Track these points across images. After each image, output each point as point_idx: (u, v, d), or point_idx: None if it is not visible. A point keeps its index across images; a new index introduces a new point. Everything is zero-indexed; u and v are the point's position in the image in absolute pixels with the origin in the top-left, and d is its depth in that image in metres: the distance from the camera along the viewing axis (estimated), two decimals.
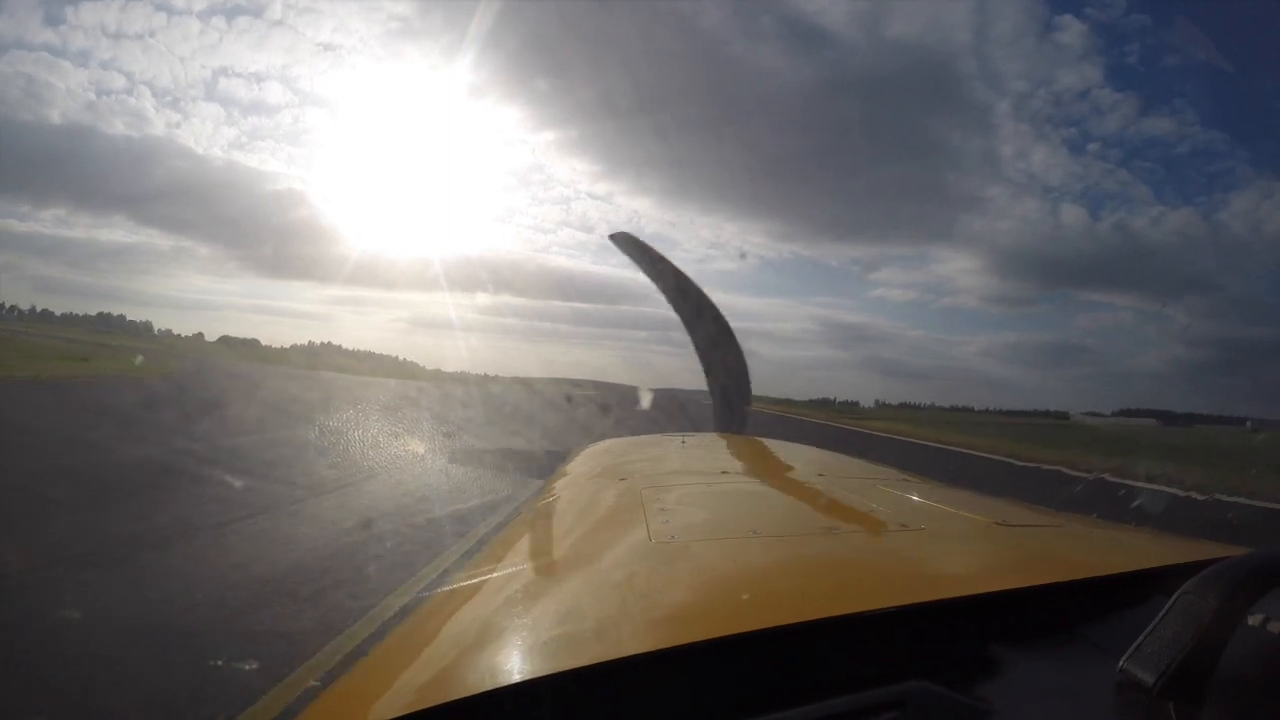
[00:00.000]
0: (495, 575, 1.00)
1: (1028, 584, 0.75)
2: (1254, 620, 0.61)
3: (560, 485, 1.69)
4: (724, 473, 1.68)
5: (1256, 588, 0.58)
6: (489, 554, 1.11)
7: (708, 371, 2.99)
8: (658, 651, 0.59)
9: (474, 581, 0.99)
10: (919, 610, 0.67)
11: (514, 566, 1.03)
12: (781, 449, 2.36)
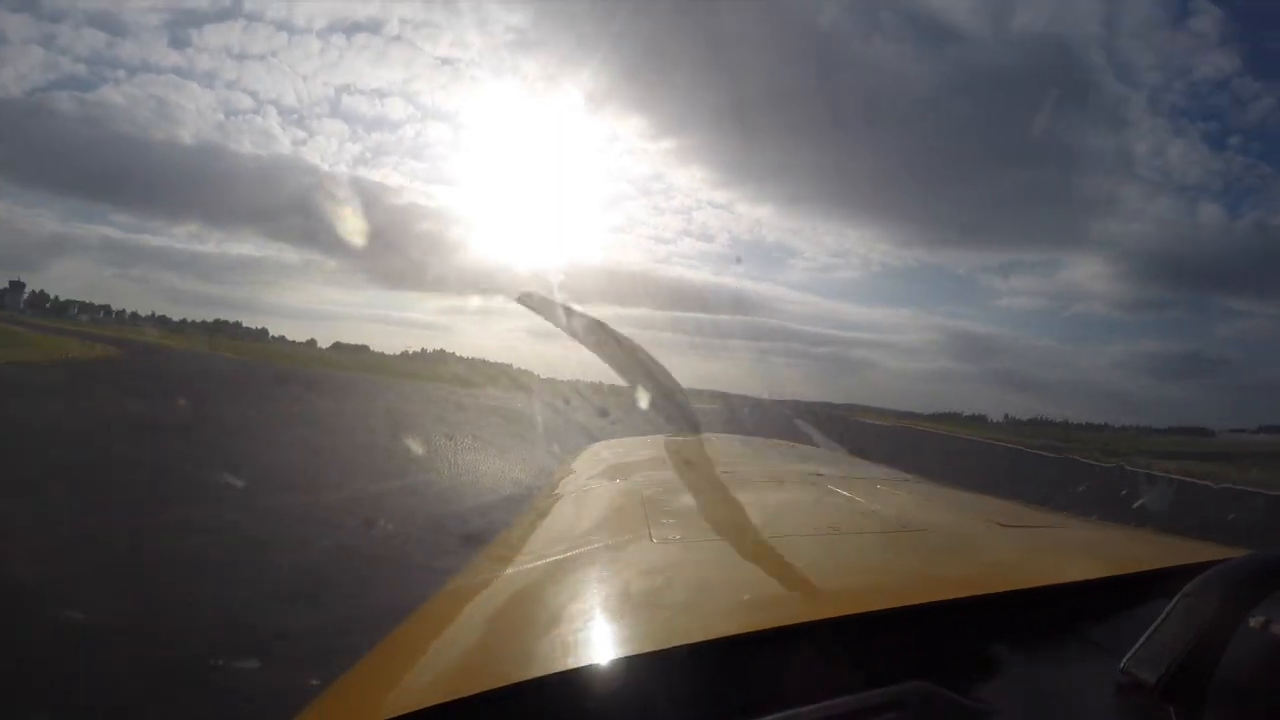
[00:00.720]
0: (496, 576, 1.00)
1: (1028, 584, 0.75)
2: (1255, 622, 0.60)
3: (562, 486, 1.69)
4: (723, 473, 1.68)
5: (1258, 589, 0.57)
6: (491, 554, 1.11)
7: (648, 389, 3.07)
8: (658, 652, 0.59)
9: (475, 582, 0.99)
10: (919, 611, 0.67)
11: (515, 567, 1.03)
12: (782, 450, 2.36)
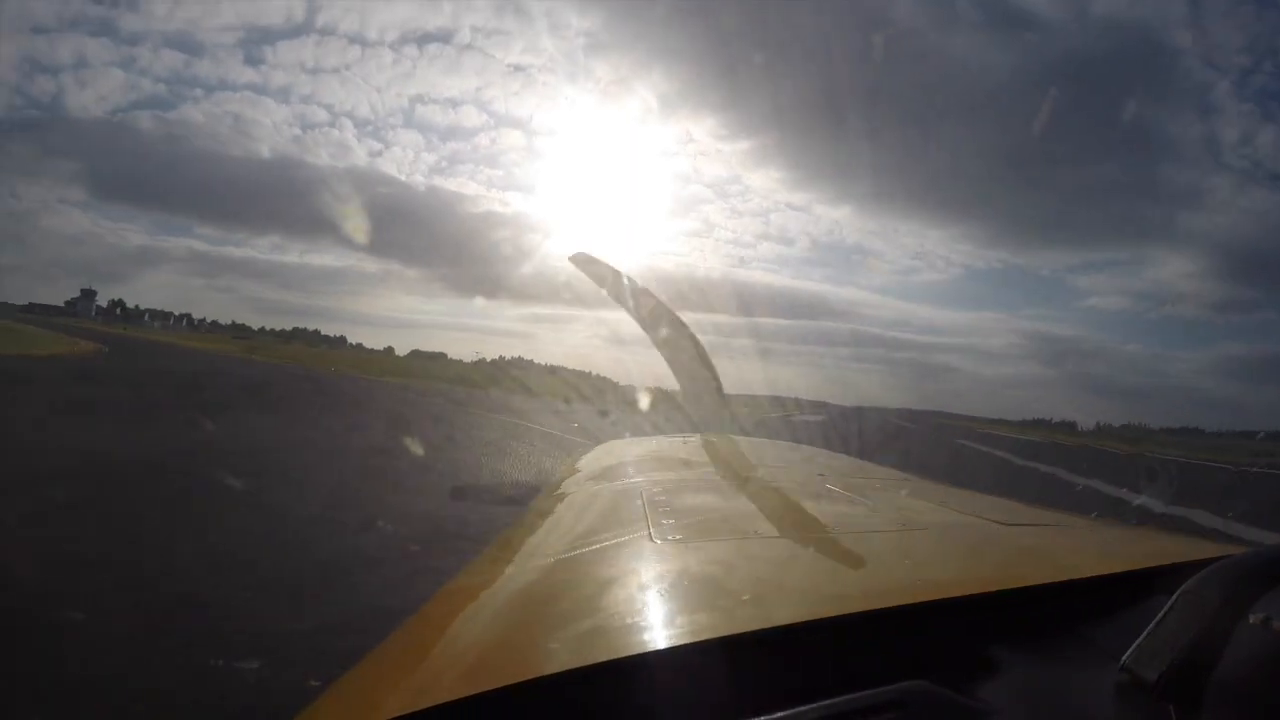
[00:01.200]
0: (497, 576, 1.00)
1: (1028, 584, 0.75)
2: (1255, 619, 0.61)
3: (563, 486, 1.69)
4: (724, 473, 1.68)
5: (1257, 587, 0.58)
6: (492, 554, 1.11)
7: (679, 376, 3.00)
8: (659, 651, 0.59)
9: (476, 582, 0.99)
10: (919, 610, 0.67)
11: (516, 567, 1.03)
12: (782, 449, 2.36)
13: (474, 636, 0.76)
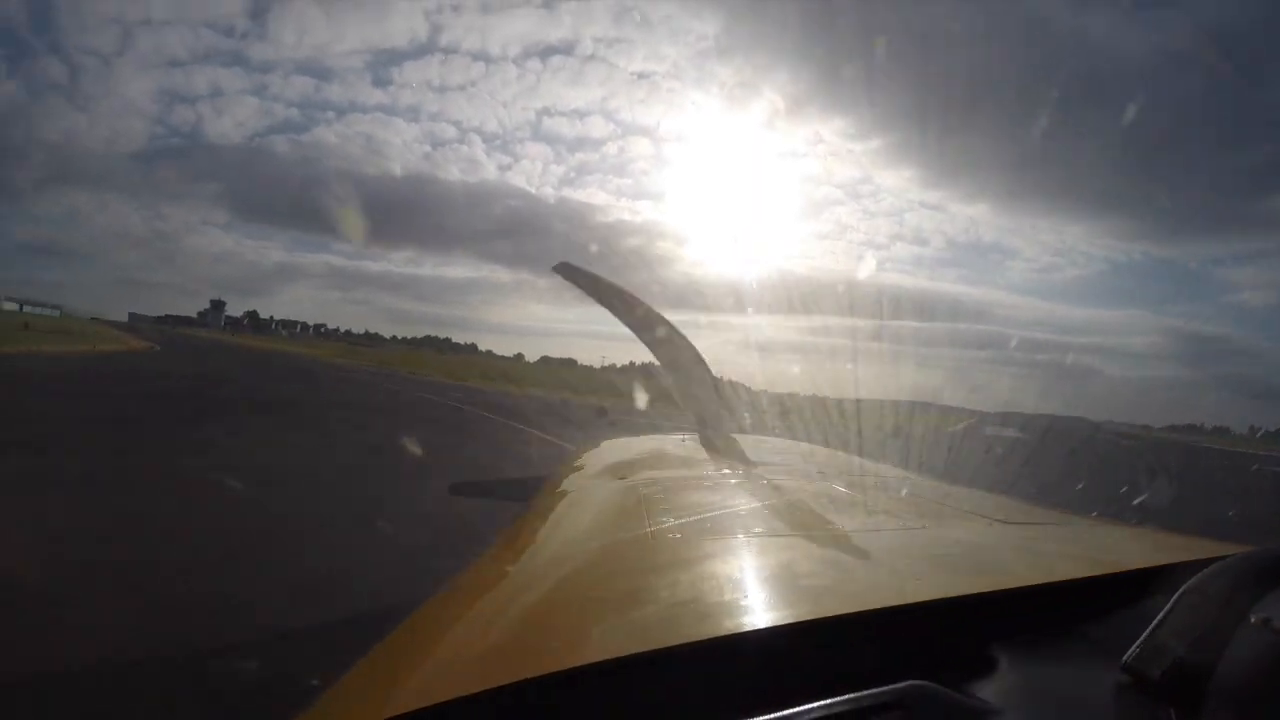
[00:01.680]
0: (497, 575, 1.00)
1: (1029, 583, 0.75)
2: (1256, 619, 0.61)
3: (563, 486, 1.69)
4: (723, 472, 1.68)
5: (1259, 586, 0.57)
6: (492, 554, 1.11)
7: (676, 377, 3.01)
8: (659, 650, 0.59)
9: (477, 581, 0.99)
10: (920, 609, 0.67)
11: (516, 566, 1.03)
12: (782, 448, 2.36)
13: (475, 635, 0.76)
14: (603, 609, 0.75)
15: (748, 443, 2.52)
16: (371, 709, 0.62)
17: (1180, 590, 0.58)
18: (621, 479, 1.54)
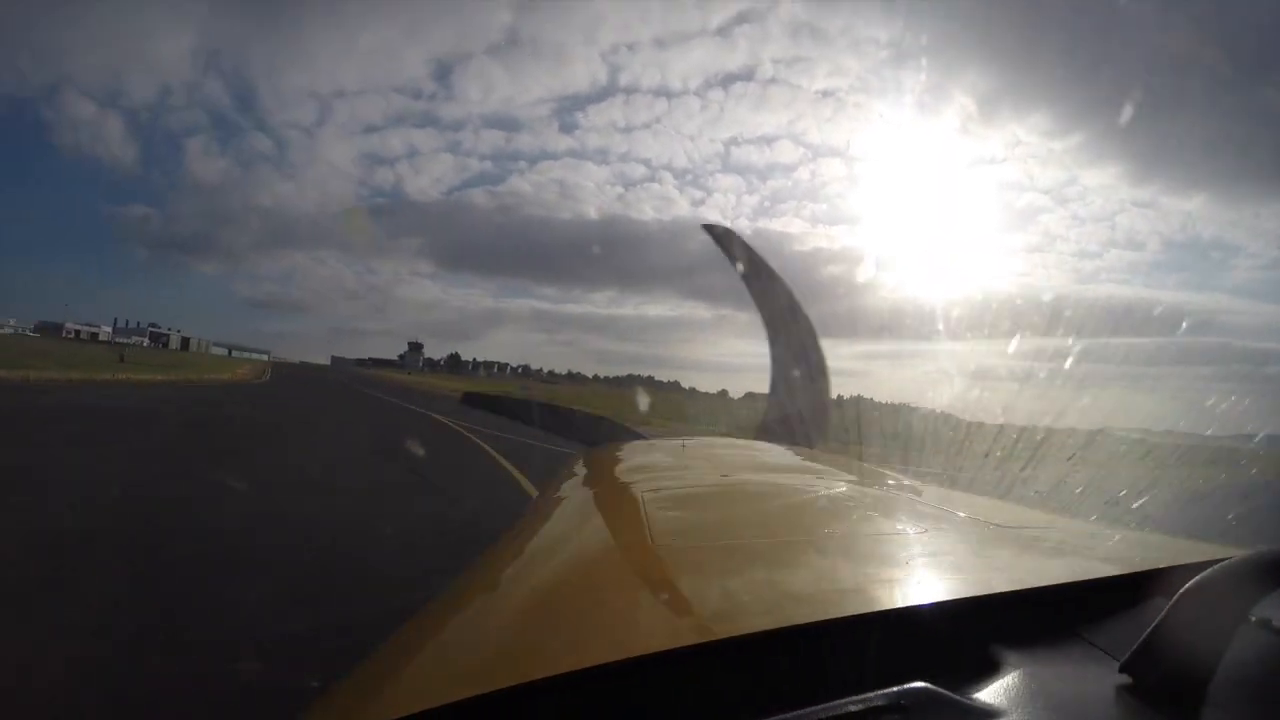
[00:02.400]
0: (497, 578, 1.00)
1: (1029, 586, 0.75)
2: (1256, 621, 0.61)
3: (563, 490, 1.69)
4: (724, 476, 1.68)
5: (1258, 589, 0.58)
6: (492, 557, 1.11)
7: (778, 382, 2.82)
8: (659, 654, 0.59)
9: (476, 584, 0.99)
10: (919, 611, 0.67)
11: (516, 570, 1.03)
12: (782, 452, 2.36)
13: (474, 638, 0.76)
14: (604, 612, 0.75)
15: (748, 447, 2.51)
16: (371, 711, 0.62)
17: (1180, 592, 0.59)
18: (621, 483, 1.54)
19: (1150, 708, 0.56)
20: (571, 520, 1.34)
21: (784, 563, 0.91)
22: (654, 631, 0.66)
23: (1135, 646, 0.59)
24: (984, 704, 0.57)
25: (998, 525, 1.11)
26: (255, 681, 2.69)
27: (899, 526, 1.12)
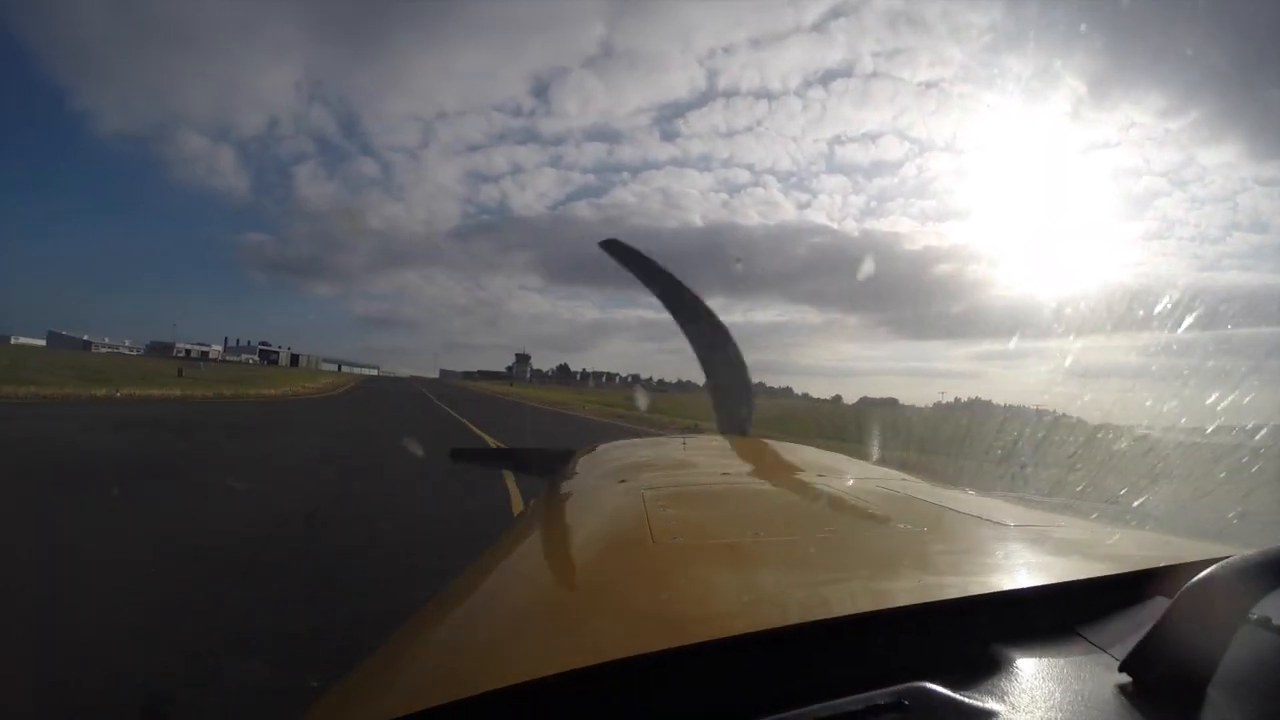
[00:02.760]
0: (497, 577, 1.00)
1: (1028, 585, 0.75)
2: (1256, 621, 0.61)
3: (562, 488, 1.69)
4: (725, 474, 1.68)
5: (1258, 588, 0.58)
6: (491, 556, 1.11)
7: (708, 373, 2.99)
8: (659, 653, 0.59)
9: (476, 583, 0.99)
10: (919, 611, 0.67)
11: (516, 569, 1.03)
12: (783, 450, 2.35)
13: (473, 637, 0.76)
14: (603, 611, 0.75)
15: (748, 445, 2.52)
16: (371, 711, 0.62)
17: (1180, 591, 0.58)
18: (621, 481, 1.54)
19: (1150, 708, 0.55)
20: (571, 519, 1.34)
21: (784, 561, 0.91)
22: (655, 631, 0.66)
23: (1135, 646, 0.59)
24: (984, 704, 0.57)
25: (998, 524, 1.11)
26: None
27: (899, 525, 1.12)
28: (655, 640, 0.62)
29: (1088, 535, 1.16)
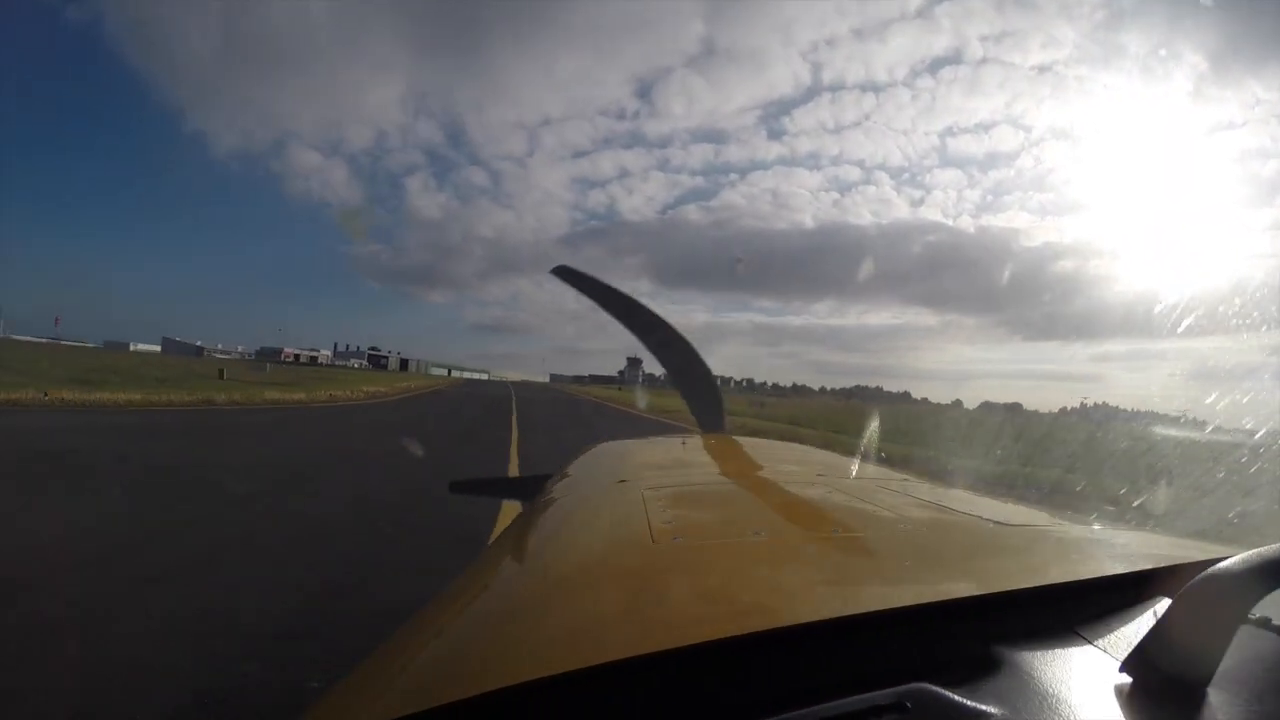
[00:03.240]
0: (496, 577, 1.00)
1: (1028, 585, 0.75)
2: (1256, 621, 0.61)
3: (560, 487, 1.69)
4: (725, 474, 1.68)
5: (1258, 588, 0.58)
6: (490, 556, 1.11)
7: (678, 378, 3.08)
8: (659, 653, 0.59)
9: (475, 583, 0.99)
10: (920, 612, 0.67)
11: (514, 569, 1.03)
12: (782, 449, 2.36)
13: (474, 637, 0.76)
14: (602, 612, 0.75)
15: (747, 445, 2.52)
16: (371, 711, 0.62)
17: (1180, 592, 0.58)
18: (621, 481, 1.54)
19: (1150, 708, 0.55)
20: (570, 519, 1.34)
21: (785, 562, 0.91)
22: (655, 631, 0.66)
23: (1135, 646, 0.59)
24: (984, 704, 0.57)
25: (997, 524, 1.11)
26: None
27: (899, 525, 1.12)
28: (656, 641, 0.62)
29: (1087, 535, 1.16)
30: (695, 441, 2.44)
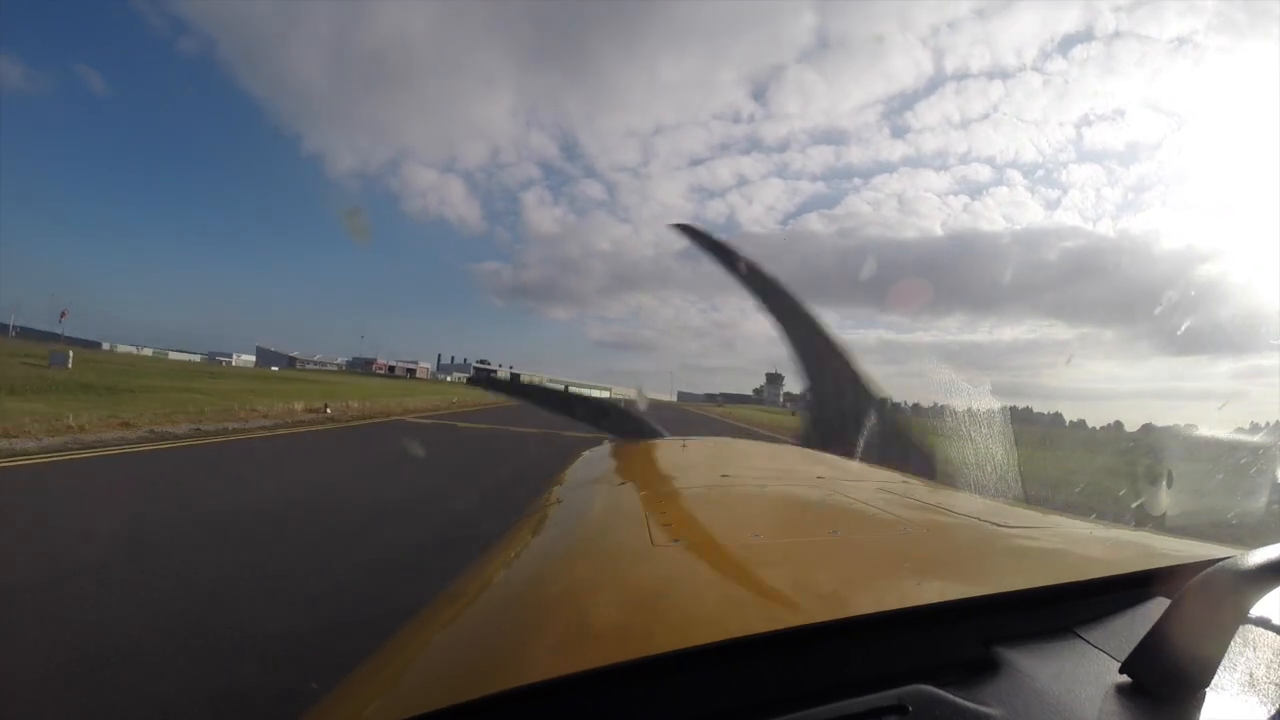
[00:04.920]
0: (496, 580, 1.00)
1: (1028, 586, 0.75)
2: (1256, 621, 0.61)
3: (560, 491, 1.69)
4: (725, 476, 1.68)
5: (1258, 588, 0.58)
6: (490, 559, 1.11)
7: (803, 363, 2.69)
8: (659, 656, 0.59)
9: (475, 585, 0.99)
10: (919, 613, 0.67)
11: (515, 571, 1.03)
12: (782, 451, 2.36)
13: (474, 640, 0.76)
14: (602, 615, 0.75)
15: (748, 446, 2.51)
16: (371, 712, 0.62)
17: (1180, 592, 0.58)
18: (621, 483, 1.54)
19: (1150, 708, 0.55)
20: (571, 521, 1.34)
21: (785, 564, 0.91)
22: (656, 634, 0.66)
23: (1135, 646, 0.59)
24: (984, 705, 0.57)
25: (997, 525, 1.11)
26: None
27: (900, 527, 1.12)
28: (656, 643, 0.62)
29: (1087, 536, 1.16)
30: (695, 443, 2.44)
